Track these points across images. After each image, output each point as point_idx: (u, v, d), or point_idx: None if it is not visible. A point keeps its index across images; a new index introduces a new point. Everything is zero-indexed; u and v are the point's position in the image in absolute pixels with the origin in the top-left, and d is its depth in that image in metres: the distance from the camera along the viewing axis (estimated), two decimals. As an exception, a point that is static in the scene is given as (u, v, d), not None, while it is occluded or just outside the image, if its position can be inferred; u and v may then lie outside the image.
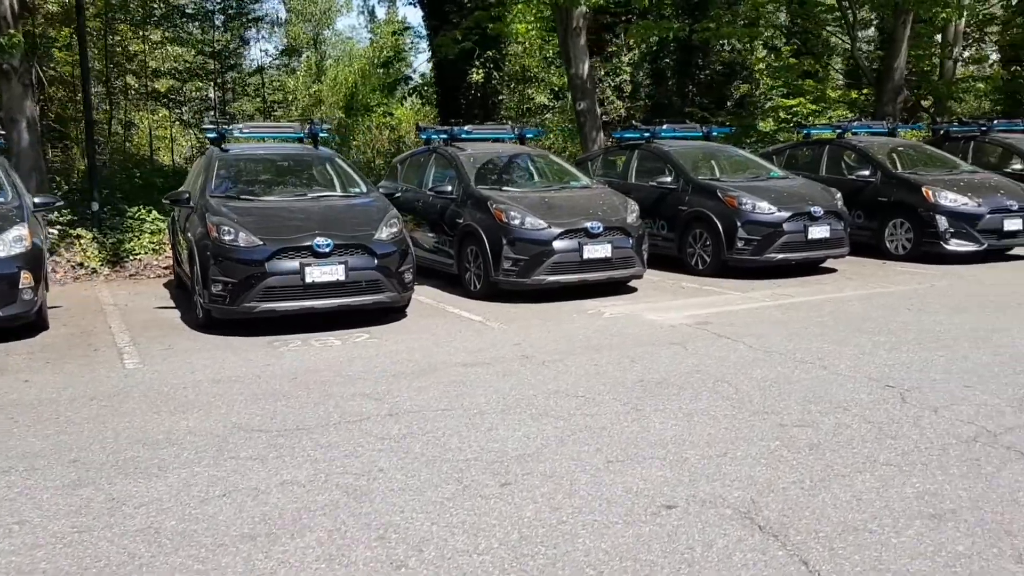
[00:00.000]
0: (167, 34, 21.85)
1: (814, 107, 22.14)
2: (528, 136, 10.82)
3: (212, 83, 23.12)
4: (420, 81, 22.83)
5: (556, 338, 6.77)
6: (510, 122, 14.74)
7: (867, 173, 11.35)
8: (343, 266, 7.03)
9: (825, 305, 7.92)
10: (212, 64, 23.03)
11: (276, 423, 4.69)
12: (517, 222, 8.26)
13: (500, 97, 21.83)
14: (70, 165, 18.09)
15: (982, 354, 5.93)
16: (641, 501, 3.53)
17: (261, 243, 6.96)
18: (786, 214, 9.53)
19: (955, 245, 10.37)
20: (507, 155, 10.22)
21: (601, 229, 8.34)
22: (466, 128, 10.47)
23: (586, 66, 16.48)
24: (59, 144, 19.52)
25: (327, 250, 6.98)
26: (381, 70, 23.90)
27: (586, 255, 8.27)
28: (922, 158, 12.17)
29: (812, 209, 9.62)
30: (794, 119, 22.82)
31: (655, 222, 10.51)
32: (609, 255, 8.36)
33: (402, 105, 24.83)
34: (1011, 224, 10.50)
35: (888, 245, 11.00)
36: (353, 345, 6.65)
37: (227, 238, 7.00)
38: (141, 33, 21.70)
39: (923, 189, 10.62)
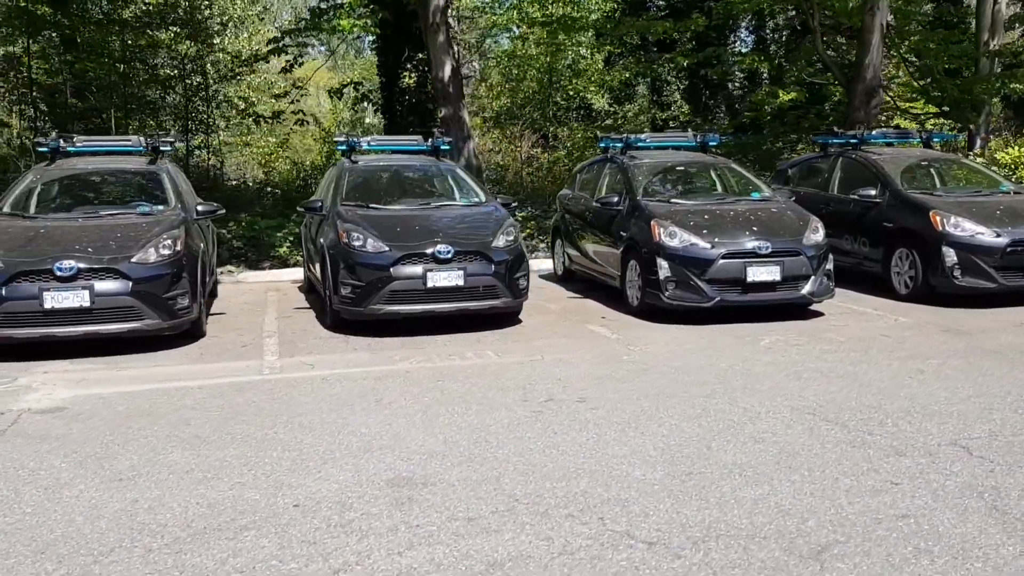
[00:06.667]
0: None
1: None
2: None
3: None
4: (368, 86, 21.30)
5: None
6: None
7: (615, 200, 8.92)
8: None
9: (304, 386, 5.88)
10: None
11: None
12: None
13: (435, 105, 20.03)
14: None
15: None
16: None
17: None
18: (397, 255, 7.40)
19: (672, 298, 7.84)
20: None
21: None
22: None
23: (448, 68, 14.57)
24: None
25: None
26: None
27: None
28: (733, 182, 9.56)
29: (438, 249, 7.43)
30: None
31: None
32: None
33: (355, 111, 23.44)
34: (759, 273, 7.78)
35: (628, 293, 8.56)
36: None
37: None
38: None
39: (651, 223, 8.12)
